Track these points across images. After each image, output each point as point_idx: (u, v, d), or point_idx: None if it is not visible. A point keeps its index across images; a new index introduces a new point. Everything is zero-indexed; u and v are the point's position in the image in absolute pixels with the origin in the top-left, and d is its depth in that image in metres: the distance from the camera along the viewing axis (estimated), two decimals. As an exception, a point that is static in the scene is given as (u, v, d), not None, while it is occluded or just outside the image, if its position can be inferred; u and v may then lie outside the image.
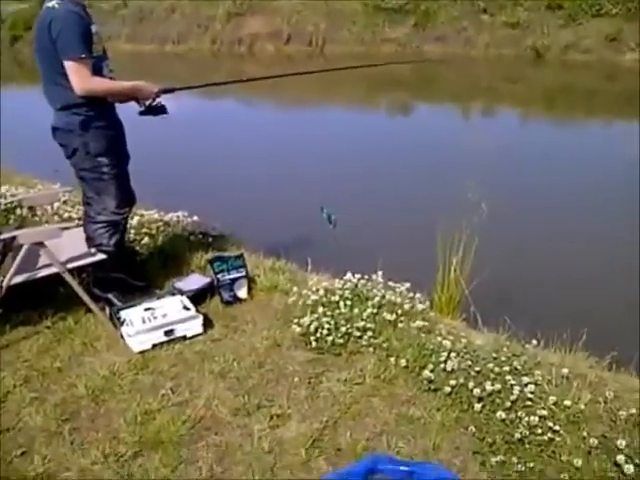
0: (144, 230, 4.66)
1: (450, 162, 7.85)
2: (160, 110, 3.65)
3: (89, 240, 3.71)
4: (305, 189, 6.49)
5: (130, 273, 3.94)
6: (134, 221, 4.71)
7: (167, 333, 3.40)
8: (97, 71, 3.38)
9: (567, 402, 2.69)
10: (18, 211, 5.04)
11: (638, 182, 6.63)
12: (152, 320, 3.41)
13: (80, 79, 3.27)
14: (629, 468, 2.33)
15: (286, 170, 7.65)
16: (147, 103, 3.60)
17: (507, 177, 7.26)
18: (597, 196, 6.72)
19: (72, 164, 3.60)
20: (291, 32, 21.08)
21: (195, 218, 4.94)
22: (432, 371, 2.95)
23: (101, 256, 3.64)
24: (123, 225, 3.79)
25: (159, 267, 4.25)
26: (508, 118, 12.19)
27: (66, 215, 5.01)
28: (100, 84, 3.39)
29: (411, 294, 3.70)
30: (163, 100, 3.65)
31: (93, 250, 3.67)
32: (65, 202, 5.26)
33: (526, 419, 2.58)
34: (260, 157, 8.43)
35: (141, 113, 3.63)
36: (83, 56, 3.25)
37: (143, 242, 4.54)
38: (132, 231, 4.60)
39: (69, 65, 3.25)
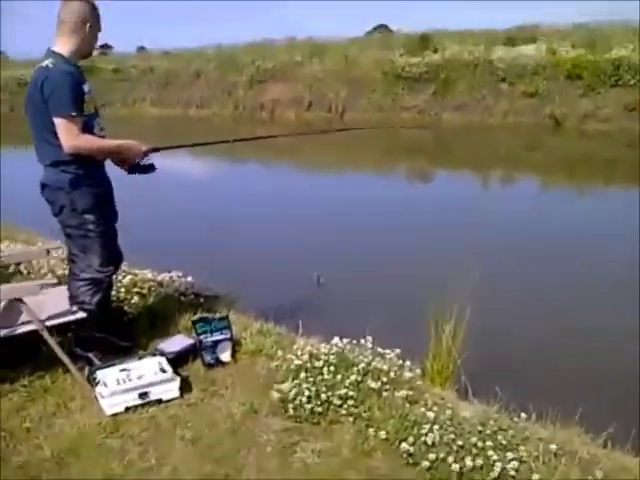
0: (135, 289, 4.59)
1: (456, 229, 7.68)
2: (148, 168, 3.65)
3: (72, 298, 3.65)
4: (304, 252, 6.40)
5: (116, 333, 3.87)
6: (126, 280, 4.66)
7: (141, 396, 3.28)
8: (88, 129, 3.39)
9: (552, 482, 2.49)
10: (12, 268, 5.01)
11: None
12: (127, 381, 3.29)
13: (69, 136, 3.28)
14: None
15: (287, 232, 7.61)
16: (136, 161, 3.59)
17: (511, 247, 7.10)
18: (601, 267, 6.50)
19: (59, 221, 3.57)
20: (312, 99, 21.49)
21: (189, 278, 4.87)
22: (413, 444, 2.77)
23: (81, 315, 3.57)
24: (107, 284, 3.73)
25: (147, 327, 4.16)
26: (525, 186, 12.09)
27: (60, 272, 4.95)
28: (88, 142, 3.39)
29: (400, 361, 3.54)
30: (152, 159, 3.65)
31: (74, 308, 3.61)
32: (63, 260, 5.22)
33: (506, 500, 2.39)
34: (264, 219, 8.45)
35: (129, 172, 3.63)
36: (73, 114, 3.26)
37: (133, 301, 4.46)
38: (122, 290, 4.54)
39: (59, 122, 3.26)
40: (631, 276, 5.93)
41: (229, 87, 23.73)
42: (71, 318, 3.57)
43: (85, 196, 3.44)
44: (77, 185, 3.41)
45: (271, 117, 22.06)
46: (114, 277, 4.11)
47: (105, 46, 30.57)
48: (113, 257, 3.71)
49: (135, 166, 3.61)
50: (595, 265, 6.54)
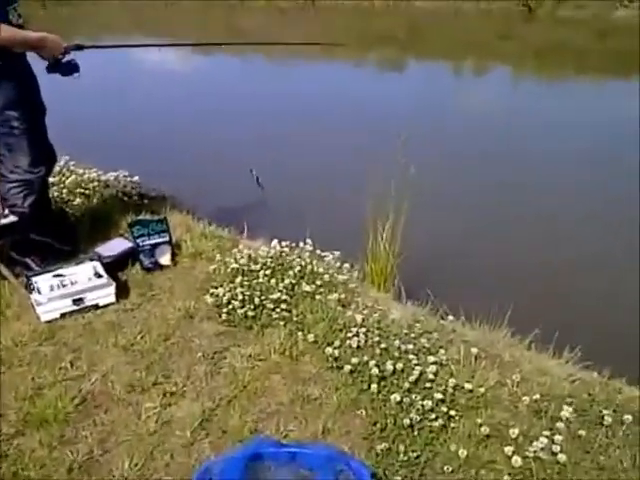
0: (79, 190, 4.50)
1: (413, 125, 7.44)
2: (71, 68, 3.38)
3: (2, 201, 3.51)
4: (253, 152, 6.24)
5: (56, 236, 3.74)
6: (69, 180, 4.56)
7: (76, 302, 3.25)
8: (1, 17, 3.06)
9: (468, 385, 2.55)
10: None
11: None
12: (60, 288, 3.26)
13: None
14: (517, 460, 2.19)
15: (237, 132, 7.39)
16: (56, 59, 3.36)
17: (466, 144, 7.00)
18: (554, 163, 6.48)
19: None
20: (283, -18, 20.56)
21: (136, 178, 4.78)
22: (339, 347, 2.81)
23: (13, 218, 3.46)
24: (39, 185, 3.53)
25: (88, 230, 4.08)
26: (491, 78, 11.86)
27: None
28: (2, 32, 3.07)
29: (338, 264, 3.55)
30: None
31: (6, 211, 3.50)
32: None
33: (421, 403, 2.44)
34: (219, 115, 8.19)
35: (48, 70, 3.39)
36: None
37: (75, 203, 4.37)
38: (65, 190, 4.44)
39: None
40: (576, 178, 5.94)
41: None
42: (2, 222, 3.45)
43: (6, 90, 3.20)
44: None
45: (241, 2, 21.18)
46: (52, 177, 4.00)
47: None
48: (44, 156, 3.51)
49: (55, 64, 3.32)
50: (545, 164, 6.50)
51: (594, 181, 5.86)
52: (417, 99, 9.09)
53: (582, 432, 2.34)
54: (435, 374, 2.61)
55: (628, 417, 2.38)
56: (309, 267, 3.44)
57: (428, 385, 2.56)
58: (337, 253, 3.64)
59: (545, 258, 4.53)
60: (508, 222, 5.09)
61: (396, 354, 2.72)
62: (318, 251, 3.67)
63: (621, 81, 11.40)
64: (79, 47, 3.38)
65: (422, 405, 2.44)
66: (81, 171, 4.77)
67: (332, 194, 5.32)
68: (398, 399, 2.48)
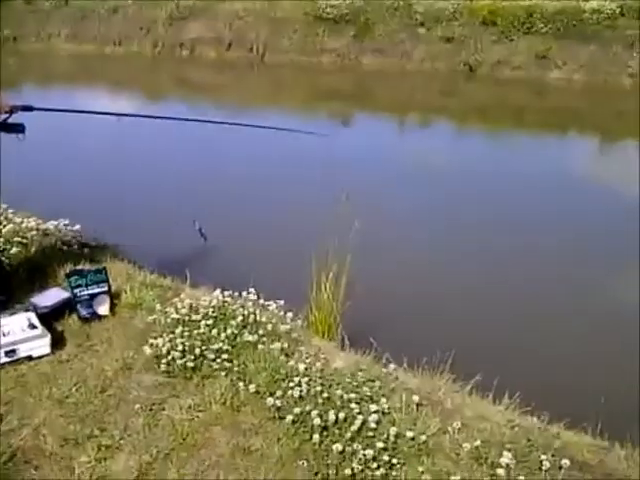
0: (16, 239, 4.37)
1: (355, 175, 7.49)
2: (16, 129, 3.37)
3: None
4: (197, 202, 6.21)
5: (-10, 285, 3.66)
6: (6, 229, 4.44)
7: (8, 353, 3.13)
8: None
9: (410, 433, 2.53)
10: None
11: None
12: (-8, 339, 3.15)
13: None
14: (457, 508, 2.18)
15: (182, 182, 7.38)
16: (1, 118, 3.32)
17: (409, 193, 7.18)
18: (497, 215, 6.68)
19: None
20: (232, 38, 20.82)
21: (77, 227, 4.69)
22: (281, 397, 2.77)
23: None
24: None
25: (24, 280, 3.96)
26: (436, 132, 12.21)
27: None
28: None
29: (282, 313, 3.53)
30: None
31: (-63, 263, 3.40)
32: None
33: (363, 452, 2.41)
34: (158, 167, 8.18)
35: None
36: None
37: (12, 252, 4.24)
38: (1, 240, 4.32)
39: None
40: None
41: (148, 24, 22.60)
42: None
43: None
44: None
45: (191, 56, 21.34)
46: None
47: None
48: None
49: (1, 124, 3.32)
50: (490, 217, 6.69)
51: (536, 236, 6.04)
52: (364, 153, 9.24)
53: (522, 477, 2.35)
54: (377, 423, 2.59)
55: (566, 462, 2.40)
56: (252, 316, 3.40)
57: (370, 434, 2.54)
58: (281, 302, 3.62)
59: (485, 306, 4.60)
60: (449, 271, 5.17)
61: (338, 403, 2.69)
62: (262, 300, 3.63)
63: (558, 135, 11.90)
64: (28, 108, 3.36)
65: (364, 454, 2.41)
66: (19, 219, 4.65)
67: (277, 245, 5.32)
68: (340, 449, 2.45)
